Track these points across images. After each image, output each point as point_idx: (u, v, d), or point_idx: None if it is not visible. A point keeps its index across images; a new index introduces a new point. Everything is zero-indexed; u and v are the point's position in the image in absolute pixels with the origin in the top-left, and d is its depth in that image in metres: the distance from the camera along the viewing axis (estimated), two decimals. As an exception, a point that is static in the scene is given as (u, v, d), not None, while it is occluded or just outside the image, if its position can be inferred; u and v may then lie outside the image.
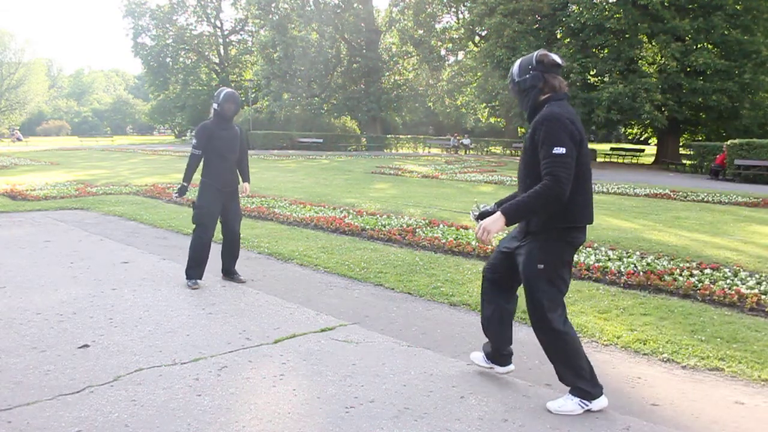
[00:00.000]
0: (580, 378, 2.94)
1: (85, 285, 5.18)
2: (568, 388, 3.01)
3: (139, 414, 2.87)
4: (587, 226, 2.93)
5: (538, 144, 2.78)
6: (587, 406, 2.94)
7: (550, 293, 2.87)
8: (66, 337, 3.90)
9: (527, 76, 2.90)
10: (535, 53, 2.94)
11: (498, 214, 2.79)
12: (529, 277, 2.90)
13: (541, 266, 2.84)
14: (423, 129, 52.29)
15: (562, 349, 2.92)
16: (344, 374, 3.40)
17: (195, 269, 5.26)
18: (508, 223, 2.79)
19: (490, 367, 3.38)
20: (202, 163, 5.29)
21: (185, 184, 5.34)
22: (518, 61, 3.01)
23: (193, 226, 5.34)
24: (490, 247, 3.01)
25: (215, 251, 5.53)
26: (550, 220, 2.83)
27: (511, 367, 3.36)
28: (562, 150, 2.67)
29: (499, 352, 3.32)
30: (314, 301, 4.87)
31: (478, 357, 3.45)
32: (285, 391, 3.17)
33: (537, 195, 2.70)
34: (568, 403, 2.94)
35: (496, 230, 2.79)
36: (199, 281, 5.26)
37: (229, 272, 5.53)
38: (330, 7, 40.83)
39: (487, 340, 3.38)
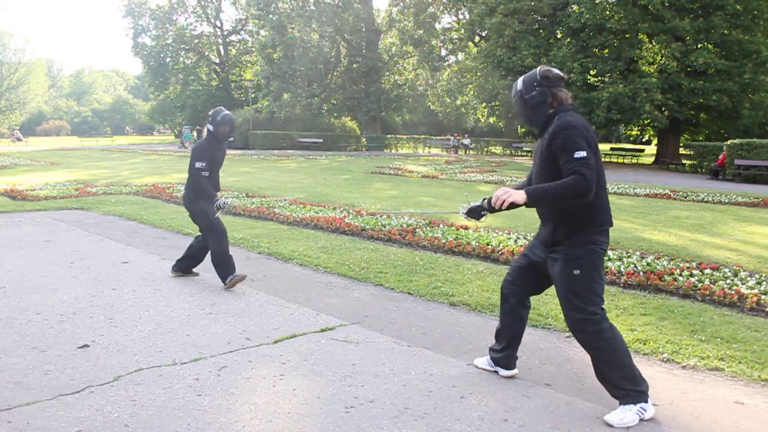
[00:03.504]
0: (630, 380, 2.89)
1: (85, 285, 5.18)
2: (618, 401, 2.92)
3: (139, 414, 2.87)
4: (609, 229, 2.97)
5: (556, 152, 2.84)
6: (644, 413, 2.87)
7: (590, 297, 2.90)
8: (66, 337, 3.90)
9: (534, 92, 2.97)
10: (538, 69, 3.01)
11: (522, 191, 2.85)
12: (567, 284, 2.93)
13: (577, 272, 2.88)
14: (423, 129, 52.23)
15: (610, 348, 2.89)
16: (344, 374, 3.40)
17: (232, 267, 5.17)
18: (527, 202, 2.85)
19: (495, 370, 3.44)
20: (194, 179, 5.23)
21: (217, 197, 5.15)
22: (521, 79, 3.07)
23: (198, 234, 5.30)
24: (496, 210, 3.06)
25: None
26: (577, 227, 2.90)
27: (515, 371, 3.41)
28: (583, 153, 2.75)
29: (511, 356, 3.37)
30: (314, 301, 4.87)
31: (483, 361, 3.51)
32: (285, 391, 3.17)
33: (565, 185, 2.75)
34: (627, 414, 2.85)
35: (514, 200, 2.85)
36: (237, 273, 5.17)
37: (183, 270, 5.59)
38: (330, 7, 40.78)
39: (495, 343, 3.43)
